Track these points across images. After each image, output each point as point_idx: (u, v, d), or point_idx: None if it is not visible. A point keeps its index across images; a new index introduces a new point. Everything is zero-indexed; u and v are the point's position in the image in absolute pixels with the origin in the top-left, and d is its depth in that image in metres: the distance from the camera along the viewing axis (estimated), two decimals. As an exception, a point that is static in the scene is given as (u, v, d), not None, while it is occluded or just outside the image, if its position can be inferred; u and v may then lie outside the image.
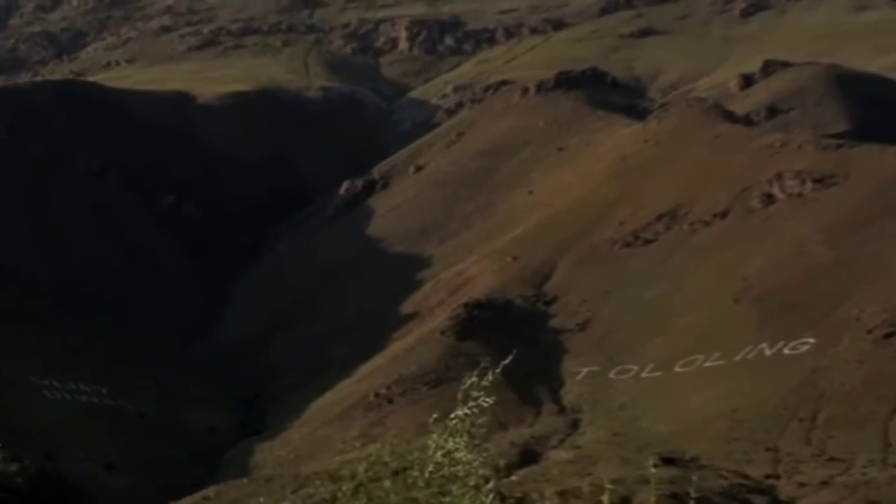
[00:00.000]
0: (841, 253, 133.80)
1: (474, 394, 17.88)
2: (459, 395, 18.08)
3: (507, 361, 20.25)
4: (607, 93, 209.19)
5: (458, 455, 17.37)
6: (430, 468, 17.33)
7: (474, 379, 18.03)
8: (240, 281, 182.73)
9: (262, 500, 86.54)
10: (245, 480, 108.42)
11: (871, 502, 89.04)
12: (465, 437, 17.48)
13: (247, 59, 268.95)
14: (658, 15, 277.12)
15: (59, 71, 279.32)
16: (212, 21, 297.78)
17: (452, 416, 17.78)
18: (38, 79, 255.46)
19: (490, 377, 18.14)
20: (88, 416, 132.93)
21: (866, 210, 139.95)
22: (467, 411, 17.59)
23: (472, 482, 17.05)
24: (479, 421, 17.61)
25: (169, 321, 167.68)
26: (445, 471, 17.13)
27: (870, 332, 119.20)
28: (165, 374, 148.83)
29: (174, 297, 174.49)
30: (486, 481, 17.11)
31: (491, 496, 16.90)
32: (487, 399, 17.69)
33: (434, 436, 17.60)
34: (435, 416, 18.40)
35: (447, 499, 17.05)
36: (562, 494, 65.99)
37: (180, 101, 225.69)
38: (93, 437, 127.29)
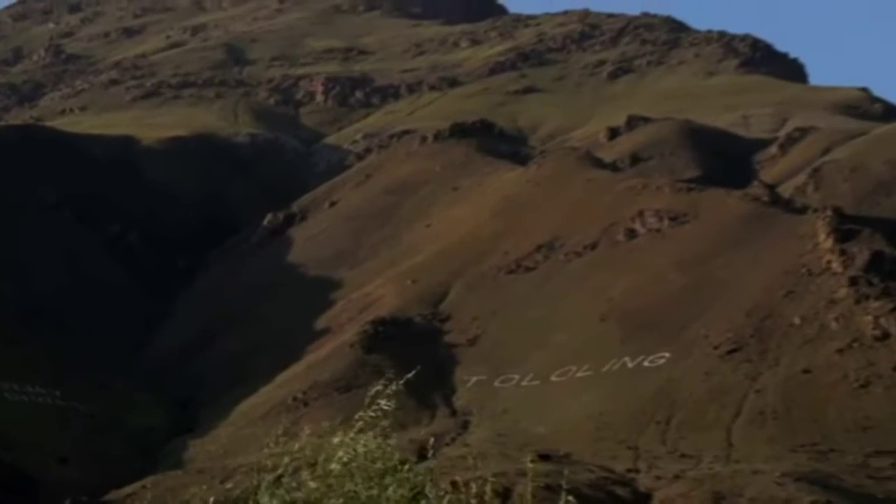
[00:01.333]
0: (692, 280, 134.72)
1: (380, 400, 17.80)
2: (366, 400, 17.99)
3: (410, 376, 20.21)
4: (495, 141, 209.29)
5: (369, 449, 17.26)
6: (346, 460, 17.21)
7: (380, 387, 17.95)
8: (177, 300, 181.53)
9: (204, 487, 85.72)
10: (179, 472, 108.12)
11: (716, 492, 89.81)
12: (375, 435, 17.39)
13: (184, 109, 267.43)
14: (538, 76, 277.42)
15: (20, 117, 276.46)
16: (154, 75, 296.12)
17: (357, 416, 17.66)
18: (3, 124, 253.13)
19: (394, 387, 18.08)
20: (44, 415, 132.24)
21: (713, 244, 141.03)
22: (371, 413, 17.49)
23: (383, 469, 16.88)
24: (383, 423, 17.51)
25: (115, 334, 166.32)
26: (358, 462, 16.99)
27: (716, 348, 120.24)
28: (112, 379, 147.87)
29: (120, 314, 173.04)
30: (404, 466, 17.04)
31: (416, 488, 16.75)
32: (389, 403, 17.60)
33: (340, 433, 17.48)
34: (341, 417, 18.33)
35: (360, 486, 16.92)
36: (454, 484, 65.92)
37: (126, 143, 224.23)
38: (47, 434, 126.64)
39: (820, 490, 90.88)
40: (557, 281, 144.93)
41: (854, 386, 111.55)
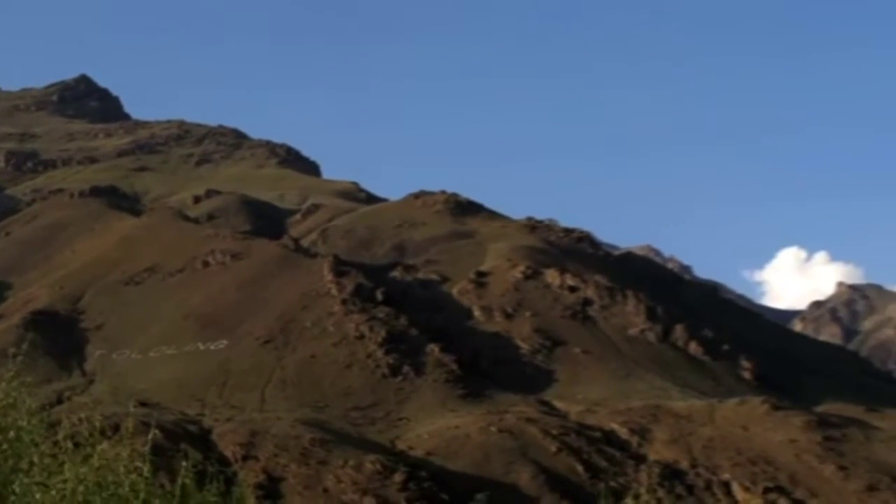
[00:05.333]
0: (244, 296, 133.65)
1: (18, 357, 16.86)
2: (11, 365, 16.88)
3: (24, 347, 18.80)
4: (119, 200, 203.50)
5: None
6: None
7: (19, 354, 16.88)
8: None
9: None
10: None
11: (252, 430, 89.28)
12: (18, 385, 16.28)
13: None
14: (150, 160, 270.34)
15: None
16: None
17: (10, 375, 16.46)
18: None
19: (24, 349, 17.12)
20: None
21: (259, 274, 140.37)
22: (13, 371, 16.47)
23: (24, 410, 15.77)
24: (28, 379, 16.45)
25: None
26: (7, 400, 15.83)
27: (257, 339, 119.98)
28: None
29: None
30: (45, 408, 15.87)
31: (38, 419, 15.58)
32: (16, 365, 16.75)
33: (3, 384, 16.27)
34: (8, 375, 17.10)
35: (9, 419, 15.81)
36: (80, 420, 63.35)
37: None
38: None
39: (318, 431, 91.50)
40: (157, 292, 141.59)
41: (342, 367, 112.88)
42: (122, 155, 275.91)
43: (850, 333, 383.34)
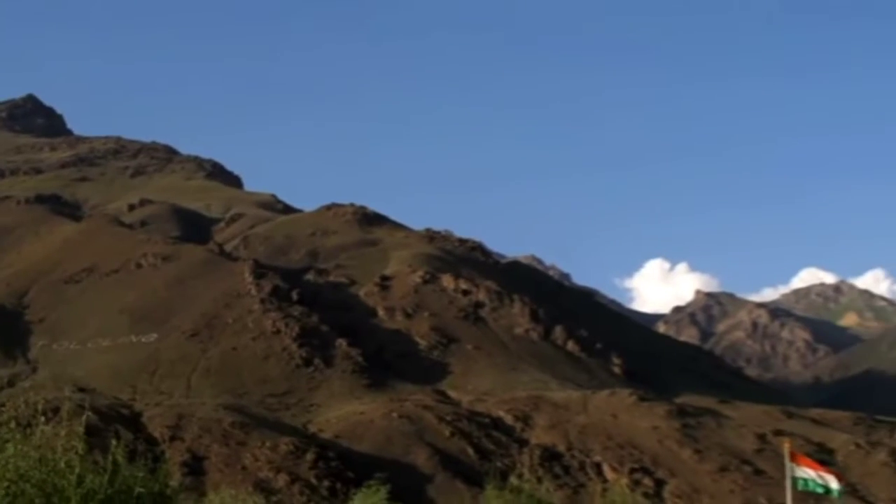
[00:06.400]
0: (173, 294, 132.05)
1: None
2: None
3: None
4: (62, 207, 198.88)
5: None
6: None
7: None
8: None
9: None
10: None
11: (180, 414, 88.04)
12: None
13: None
14: (90, 171, 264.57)
15: None
16: None
17: None
18: None
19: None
20: None
21: (187, 275, 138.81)
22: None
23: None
24: None
25: None
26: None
27: (184, 332, 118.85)
28: None
29: None
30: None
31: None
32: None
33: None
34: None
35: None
36: (23, 403, 62.04)
37: None
38: None
39: (238, 415, 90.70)
40: (95, 289, 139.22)
41: (260, 358, 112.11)
42: (64, 166, 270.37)
43: (706, 335, 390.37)
